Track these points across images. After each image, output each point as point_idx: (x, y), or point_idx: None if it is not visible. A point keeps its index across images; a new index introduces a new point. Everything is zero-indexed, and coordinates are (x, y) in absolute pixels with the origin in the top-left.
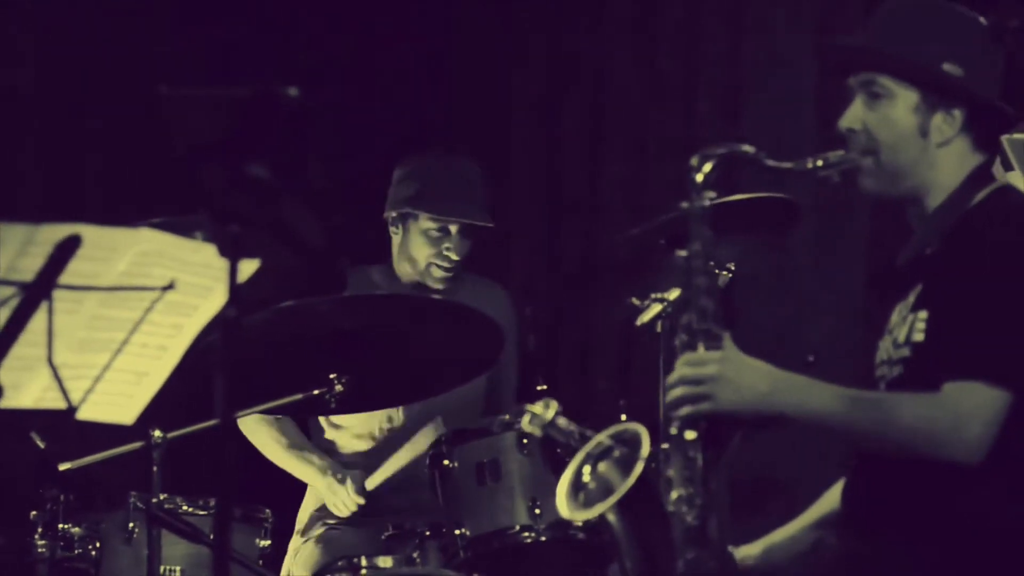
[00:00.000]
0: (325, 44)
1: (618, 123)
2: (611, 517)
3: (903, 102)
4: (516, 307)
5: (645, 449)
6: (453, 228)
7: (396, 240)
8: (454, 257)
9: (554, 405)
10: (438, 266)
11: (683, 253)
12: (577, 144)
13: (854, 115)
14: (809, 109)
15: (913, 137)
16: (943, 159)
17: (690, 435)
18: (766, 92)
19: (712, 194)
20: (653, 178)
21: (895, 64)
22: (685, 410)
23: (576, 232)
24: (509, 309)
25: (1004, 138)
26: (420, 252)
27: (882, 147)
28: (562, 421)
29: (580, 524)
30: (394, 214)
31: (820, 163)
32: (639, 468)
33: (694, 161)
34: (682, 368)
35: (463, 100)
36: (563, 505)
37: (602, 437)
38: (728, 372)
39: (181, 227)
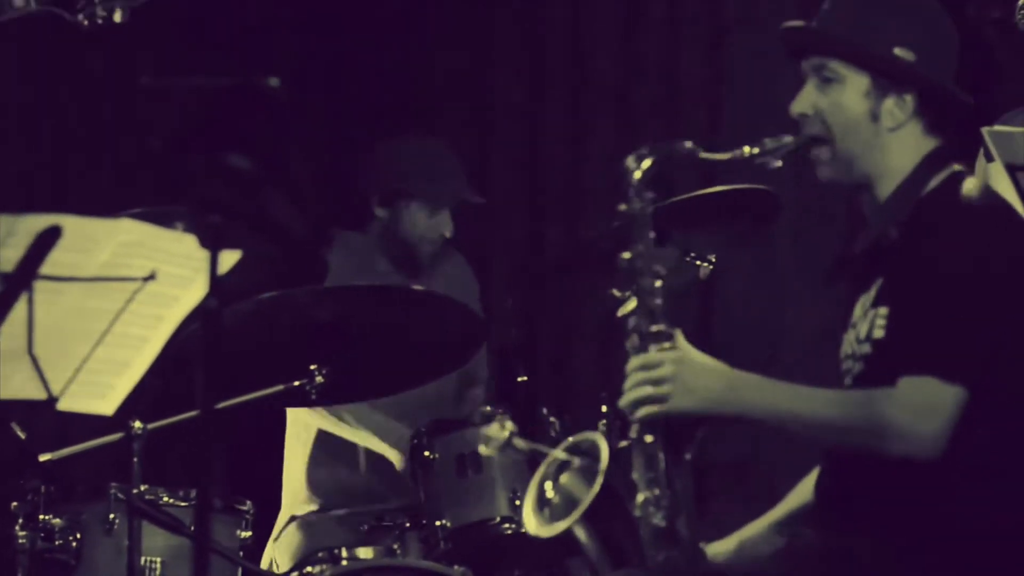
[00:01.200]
0: (298, 29)
1: (600, 113)
2: (577, 530)
3: (853, 87)
4: (474, 272)
5: (604, 461)
6: (447, 208)
7: (381, 218)
8: (447, 235)
9: (509, 425)
10: (430, 242)
11: (627, 256)
12: (559, 135)
13: (806, 99)
14: (791, 98)
15: (864, 122)
16: (894, 144)
17: (648, 438)
18: (749, 82)
19: (651, 194)
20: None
21: (844, 48)
22: (641, 412)
23: (557, 223)
24: (469, 276)
25: (985, 129)
26: (413, 232)
27: (835, 133)
28: (518, 441)
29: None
30: (383, 194)
31: (756, 151)
32: (599, 482)
33: (629, 162)
34: (635, 371)
35: (444, 91)
36: (530, 523)
37: (558, 453)
38: (682, 373)
39: (161, 217)
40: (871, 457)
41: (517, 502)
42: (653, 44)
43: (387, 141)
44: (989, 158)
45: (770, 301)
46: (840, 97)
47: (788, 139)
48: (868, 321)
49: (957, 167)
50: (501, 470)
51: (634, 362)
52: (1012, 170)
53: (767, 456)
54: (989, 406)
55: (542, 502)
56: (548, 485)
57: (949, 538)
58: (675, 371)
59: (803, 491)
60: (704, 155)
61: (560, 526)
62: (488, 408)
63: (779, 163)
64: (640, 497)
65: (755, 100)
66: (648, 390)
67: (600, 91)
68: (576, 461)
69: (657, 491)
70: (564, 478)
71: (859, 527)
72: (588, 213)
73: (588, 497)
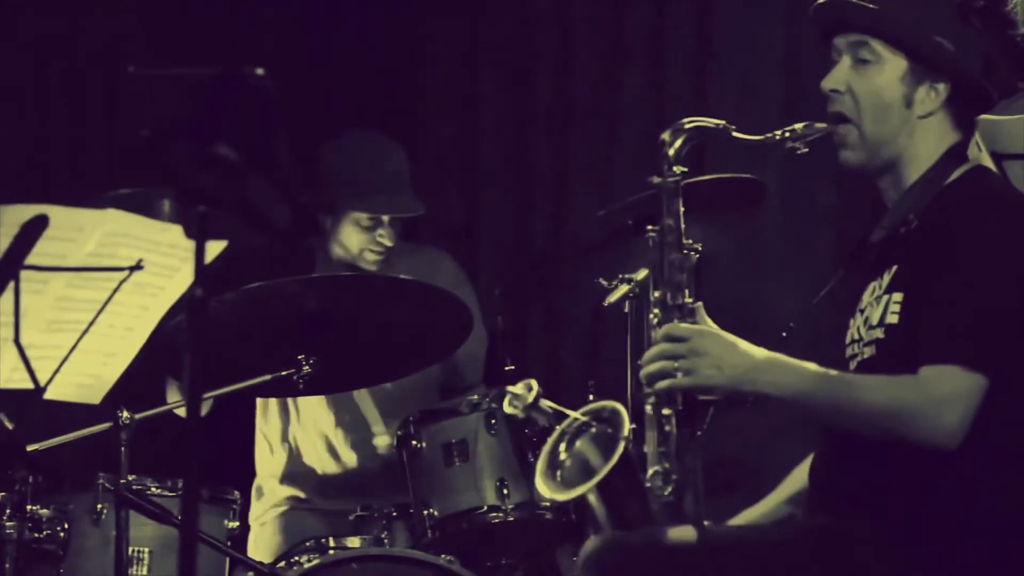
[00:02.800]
0: (285, 18)
1: (585, 99)
2: (590, 495)
3: (892, 69)
4: (462, 270)
5: (626, 428)
6: (385, 218)
7: (327, 223)
8: (388, 244)
9: (535, 386)
10: (371, 251)
11: (654, 230)
12: (545, 123)
13: (840, 76)
14: (777, 84)
15: (897, 106)
16: (923, 132)
17: (667, 411)
18: (733, 65)
19: (684, 168)
20: (620, 156)
21: (892, 28)
22: (664, 383)
23: (545, 212)
24: (457, 274)
25: (981, 118)
26: (352, 241)
27: (865, 115)
28: (544, 403)
29: (548, 502)
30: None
31: (787, 135)
32: (621, 448)
33: (666, 136)
34: (661, 342)
35: (431, 81)
36: (542, 486)
37: (578, 414)
38: (709, 347)
39: (147, 198)
40: (869, 443)
41: (505, 490)
42: (640, 33)
43: (330, 142)
44: (975, 146)
45: (756, 289)
46: (877, 78)
47: (820, 125)
48: (881, 306)
49: (977, 160)
50: (488, 459)
51: (661, 332)
52: (998, 158)
53: (765, 452)
54: (1001, 397)
55: (554, 466)
56: (562, 447)
57: (945, 525)
58: (702, 345)
59: (798, 477)
60: (736, 135)
61: (577, 491)
62: (475, 397)
63: (806, 149)
64: (651, 470)
65: (741, 82)
66: (673, 363)
67: (586, 79)
68: (595, 428)
69: (668, 465)
70: (579, 443)
71: (852, 512)
72: (576, 202)
73: (608, 464)
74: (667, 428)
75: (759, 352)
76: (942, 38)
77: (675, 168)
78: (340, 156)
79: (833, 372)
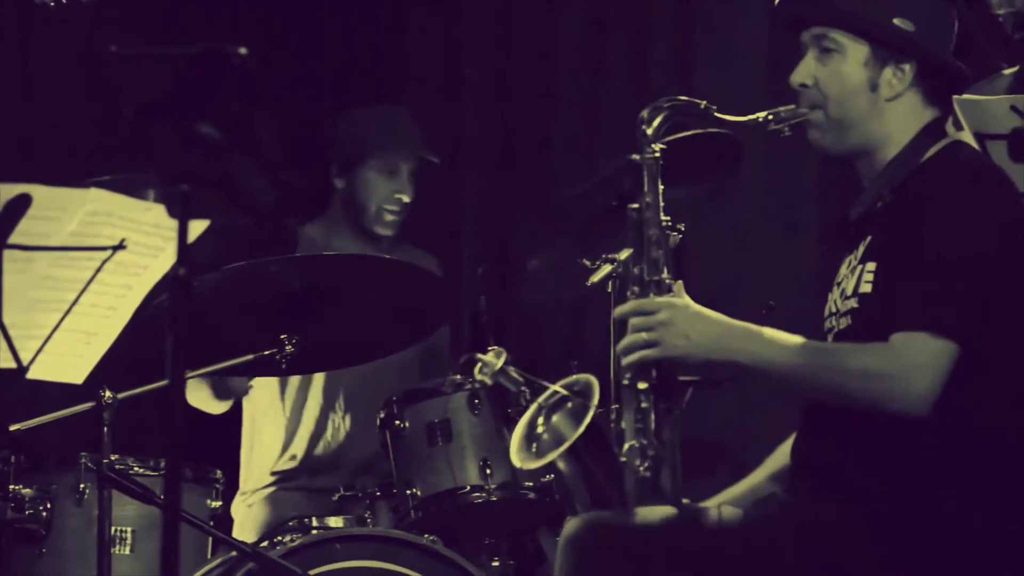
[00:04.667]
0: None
1: (569, 78)
2: (562, 465)
3: (853, 56)
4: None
5: (595, 397)
6: (404, 169)
7: (341, 189)
8: (405, 199)
9: (504, 354)
10: (388, 210)
11: (635, 206)
12: (529, 100)
13: (805, 70)
14: (760, 68)
15: (862, 91)
16: (893, 113)
17: (642, 385)
18: (717, 49)
19: (662, 145)
20: (605, 135)
21: (845, 18)
22: (634, 356)
23: (529, 192)
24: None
25: (955, 98)
26: (371, 197)
27: (830, 101)
28: (512, 370)
29: (531, 482)
30: (340, 163)
31: (771, 117)
32: (589, 416)
33: (644, 114)
34: (631, 315)
35: (415, 61)
36: (515, 454)
37: (556, 387)
38: (676, 318)
39: (130, 185)
40: (849, 418)
41: (488, 471)
42: (622, 9)
43: (342, 113)
44: (958, 126)
45: (739, 266)
46: (840, 67)
47: (803, 110)
48: (855, 276)
49: (955, 136)
50: (471, 439)
51: (629, 306)
52: (980, 138)
53: (746, 431)
54: (974, 366)
55: (531, 437)
56: (540, 420)
57: (926, 500)
58: (670, 316)
59: (781, 455)
60: (718, 114)
61: (547, 458)
62: (459, 377)
63: (789, 132)
64: (627, 445)
65: (726, 66)
66: (643, 335)
67: (570, 59)
68: (571, 402)
69: (644, 440)
70: (556, 417)
71: (835, 490)
72: (560, 181)
73: (575, 434)
74: (643, 404)
75: (731, 322)
76: (901, 19)
77: (654, 146)
78: (357, 116)
79: (804, 341)
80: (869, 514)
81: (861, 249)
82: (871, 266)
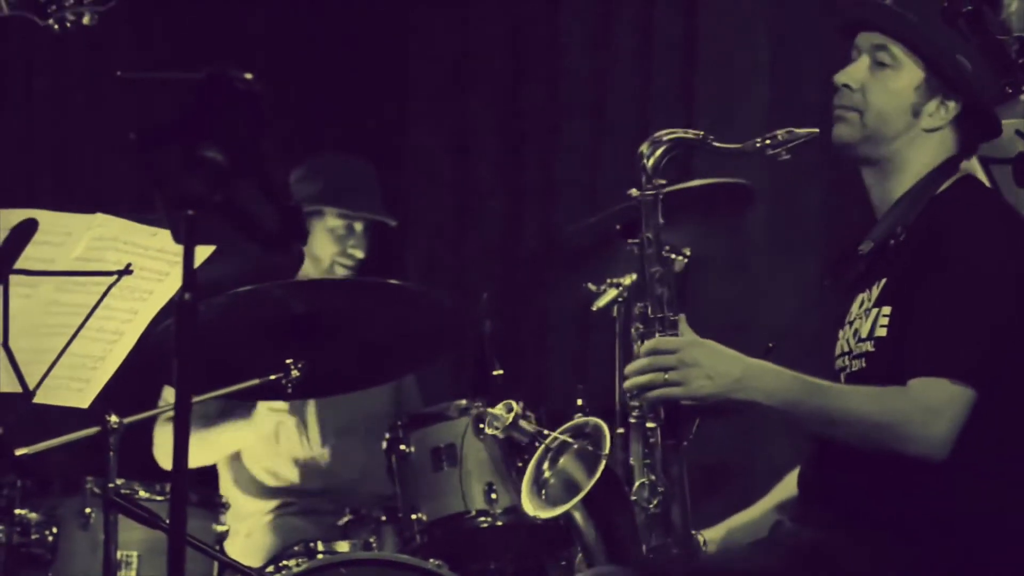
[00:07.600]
0: (274, 24)
1: (575, 108)
2: (575, 512)
3: (908, 76)
4: None
5: (607, 446)
6: (358, 227)
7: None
8: (359, 255)
9: (516, 407)
10: (342, 265)
11: (635, 241)
12: (535, 130)
13: (856, 74)
14: (762, 89)
15: (905, 113)
16: (925, 144)
17: (650, 424)
18: (720, 73)
19: (662, 181)
20: (610, 162)
21: (917, 36)
22: (654, 394)
23: (534, 217)
24: None
25: None
26: (325, 250)
27: (871, 110)
28: (524, 423)
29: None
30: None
31: (768, 142)
32: (602, 466)
33: (644, 148)
34: (648, 355)
35: (419, 86)
36: (527, 503)
37: (564, 436)
38: (699, 357)
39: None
40: (856, 453)
41: (493, 495)
42: (628, 37)
43: (307, 158)
44: None
45: (744, 292)
46: (891, 82)
47: (801, 130)
48: (870, 320)
49: (967, 170)
50: (476, 463)
51: (647, 346)
52: (986, 162)
53: (751, 454)
54: (991, 407)
55: (539, 484)
56: (546, 466)
57: (932, 535)
58: (694, 356)
59: (788, 484)
60: (716, 144)
61: (560, 509)
62: (464, 401)
63: (788, 156)
64: (637, 483)
65: (728, 89)
66: (662, 375)
67: (576, 83)
68: (577, 444)
69: (654, 477)
70: (563, 460)
71: (844, 520)
72: (564, 206)
73: (590, 481)
74: (651, 440)
75: (751, 361)
76: (963, 58)
77: (654, 181)
78: (312, 168)
79: (823, 382)
80: (879, 544)
81: (876, 291)
82: (887, 310)
